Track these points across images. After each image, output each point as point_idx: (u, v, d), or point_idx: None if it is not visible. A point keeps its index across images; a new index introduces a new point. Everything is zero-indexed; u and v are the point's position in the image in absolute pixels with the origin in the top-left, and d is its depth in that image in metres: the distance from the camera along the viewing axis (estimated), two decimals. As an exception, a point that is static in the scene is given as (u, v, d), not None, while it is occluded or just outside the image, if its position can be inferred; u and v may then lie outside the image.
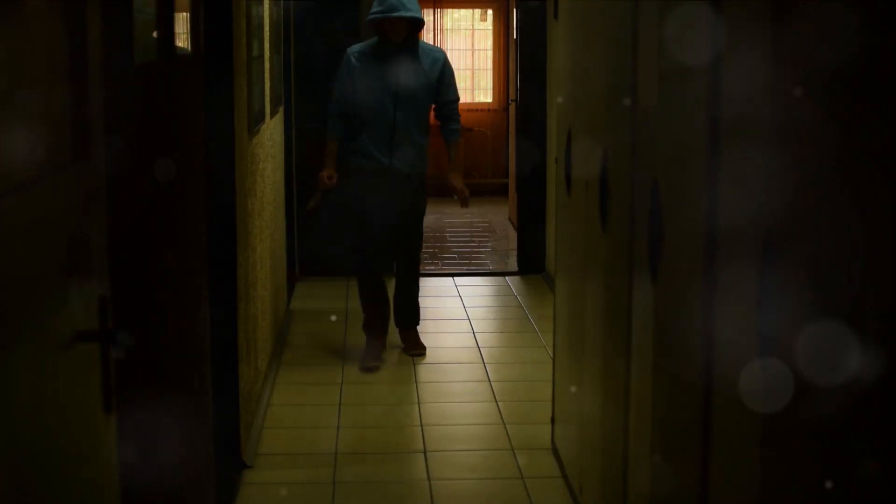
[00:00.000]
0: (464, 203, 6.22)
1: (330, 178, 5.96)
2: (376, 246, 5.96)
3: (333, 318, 6.96)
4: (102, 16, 2.23)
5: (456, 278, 8.23)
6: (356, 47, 5.99)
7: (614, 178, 3.40)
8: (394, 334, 6.32)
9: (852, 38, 1.70)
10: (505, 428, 5.15)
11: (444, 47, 12.28)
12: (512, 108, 9.85)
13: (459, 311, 7.26)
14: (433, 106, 6.04)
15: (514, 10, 8.86)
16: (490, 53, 12.47)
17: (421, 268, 6.37)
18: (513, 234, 9.51)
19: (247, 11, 4.88)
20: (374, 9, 5.84)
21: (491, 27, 12.43)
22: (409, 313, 6.19)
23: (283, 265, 6.95)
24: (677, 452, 2.66)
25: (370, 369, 5.93)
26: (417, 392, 5.66)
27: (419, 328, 6.30)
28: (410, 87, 5.85)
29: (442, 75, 5.96)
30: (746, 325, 2.07)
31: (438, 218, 10.45)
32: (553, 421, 4.77)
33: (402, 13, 5.78)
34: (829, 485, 1.77)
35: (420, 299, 6.26)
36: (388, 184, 5.86)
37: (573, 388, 4.16)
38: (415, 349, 6.18)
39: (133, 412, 2.48)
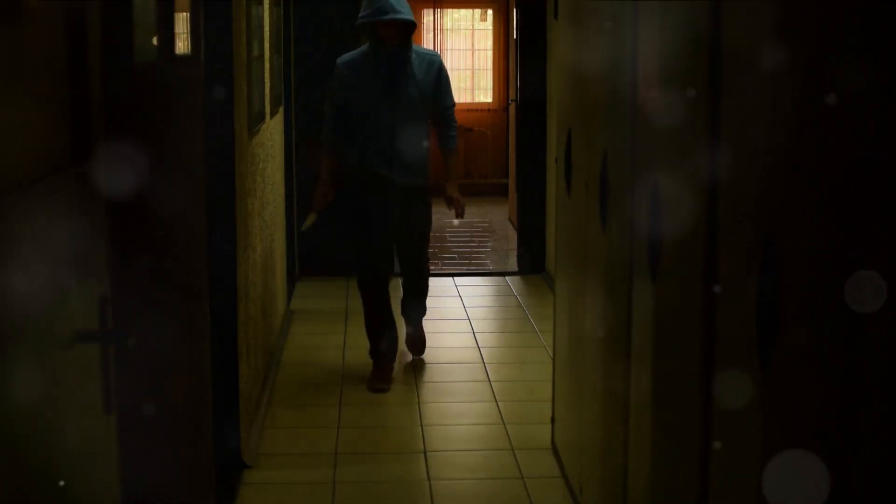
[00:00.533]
0: (460, 214, 5.93)
1: (325, 195, 5.72)
2: (378, 257, 5.71)
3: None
4: (102, 16, 2.23)
5: (456, 278, 8.23)
6: (345, 57, 5.65)
7: (614, 178, 3.40)
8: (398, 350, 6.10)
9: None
10: (505, 428, 5.15)
11: (444, 47, 12.29)
12: (512, 108, 9.85)
13: (459, 311, 7.26)
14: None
15: (514, 10, 8.86)
16: (490, 53, 12.47)
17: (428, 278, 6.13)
18: (513, 234, 9.51)
19: (247, 11, 4.88)
20: (364, 12, 5.51)
21: (491, 27, 12.43)
22: (416, 312, 6.04)
23: (283, 265, 6.95)
24: (677, 453, 2.66)
25: (379, 391, 5.68)
26: (417, 392, 5.66)
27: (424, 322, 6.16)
28: (408, 92, 5.56)
29: (439, 80, 5.67)
30: (746, 325, 2.07)
31: (438, 218, 10.39)
32: (553, 421, 4.77)
33: (394, 16, 5.44)
34: (828, 485, 1.77)
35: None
36: (389, 196, 5.59)
37: (573, 390, 4.16)
38: (414, 345, 6.05)
39: (133, 412, 2.47)
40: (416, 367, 6.03)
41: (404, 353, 6.15)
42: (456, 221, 6.16)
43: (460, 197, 5.90)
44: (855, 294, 1.61)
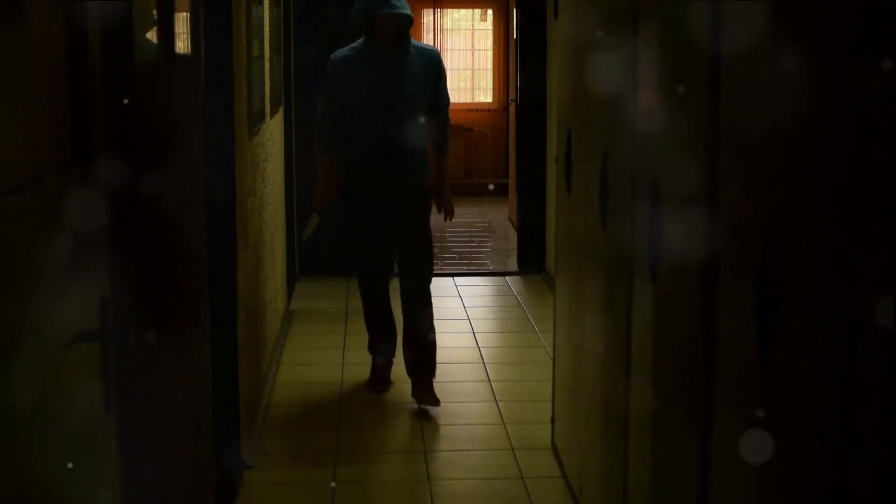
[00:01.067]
0: (449, 217, 5.64)
1: (325, 196, 5.51)
2: (377, 255, 5.53)
3: None
4: (102, 16, 2.23)
5: (456, 278, 8.23)
6: (340, 53, 5.40)
7: (614, 178, 3.40)
8: (399, 351, 5.77)
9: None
10: (505, 428, 5.15)
11: (444, 47, 12.29)
12: (512, 108, 9.85)
13: (459, 311, 7.26)
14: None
15: (514, 10, 8.86)
16: (490, 53, 12.48)
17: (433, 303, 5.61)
18: (513, 234, 9.51)
19: (247, 11, 4.87)
20: (359, 6, 5.28)
21: (491, 27, 12.43)
22: (423, 361, 5.47)
23: (283, 265, 6.95)
24: (677, 452, 2.66)
25: (379, 391, 5.64)
26: (417, 392, 5.65)
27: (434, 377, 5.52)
28: (406, 89, 5.31)
29: (438, 76, 5.40)
30: (746, 326, 2.07)
31: (437, 218, 10.45)
32: (553, 421, 4.77)
33: (389, 10, 5.20)
34: (827, 485, 1.78)
35: (436, 338, 5.57)
36: (388, 194, 5.38)
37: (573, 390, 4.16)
38: (426, 398, 5.36)
39: (134, 412, 2.47)
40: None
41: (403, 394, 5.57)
42: (446, 221, 5.81)
43: (451, 200, 5.62)
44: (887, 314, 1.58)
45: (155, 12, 2.85)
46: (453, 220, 5.87)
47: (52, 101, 2.02)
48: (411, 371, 5.48)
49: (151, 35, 2.82)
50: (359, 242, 5.54)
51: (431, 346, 5.50)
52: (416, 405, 5.39)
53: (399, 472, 4.71)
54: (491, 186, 8.69)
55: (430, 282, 5.56)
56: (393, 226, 5.49)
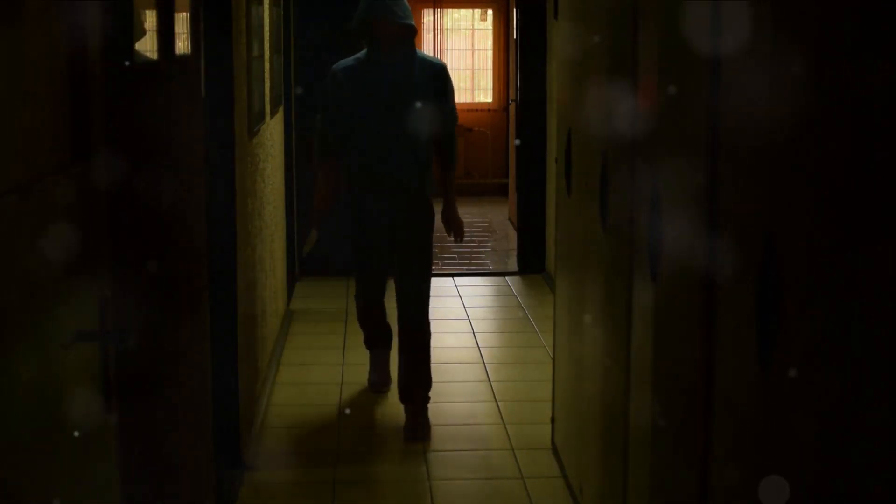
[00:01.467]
0: (459, 237, 5.47)
1: (324, 199, 5.36)
2: (376, 259, 5.35)
3: None
4: (103, 16, 2.24)
5: (456, 278, 8.23)
6: (342, 64, 5.24)
7: (614, 178, 3.40)
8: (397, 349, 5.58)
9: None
10: (505, 428, 5.14)
11: (444, 47, 12.29)
12: (512, 108, 9.85)
13: (459, 311, 7.26)
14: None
15: (514, 10, 8.86)
16: (490, 53, 12.48)
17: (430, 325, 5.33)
18: (513, 234, 9.51)
19: (247, 11, 4.87)
20: (359, 8, 5.14)
21: (491, 27, 12.43)
22: (417, 384, 5.22)
23: (283, 265, 6.95)
24: (677, 452, 2.66)
25: (379, 391, 5.64)
26: (417, 392, 5.64)
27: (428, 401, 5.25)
28: (409, 94, 5.14)
29: (443, 90, 5.22)
30: (746, 326, 2.07)
31: (438, 217, 10.44)
32: (553, 421, 4.77)
33: (397, 21, 5.08)
34: (826, 485, 1.78)
35: (431, 363, 5.30)
36: (389, 198, 5.21)
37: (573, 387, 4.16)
38: (417, 430, 5.09)
39: (134, 412, 2.47)
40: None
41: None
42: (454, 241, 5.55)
43: (461, 219, 5.44)
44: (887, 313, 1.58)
45: (146, 22, 2.85)
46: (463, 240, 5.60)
47: (52, 101, 2.02)
48: (403, 398, 5.20)
49: (140, 45, 2.80)
50: (358, 243, 5.41)
51: (426, 378, 5.24)
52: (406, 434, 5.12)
53: (399, 472, 4.71)
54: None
55: (427, 297, 5.29)
56: (392, 231, 5.30)
